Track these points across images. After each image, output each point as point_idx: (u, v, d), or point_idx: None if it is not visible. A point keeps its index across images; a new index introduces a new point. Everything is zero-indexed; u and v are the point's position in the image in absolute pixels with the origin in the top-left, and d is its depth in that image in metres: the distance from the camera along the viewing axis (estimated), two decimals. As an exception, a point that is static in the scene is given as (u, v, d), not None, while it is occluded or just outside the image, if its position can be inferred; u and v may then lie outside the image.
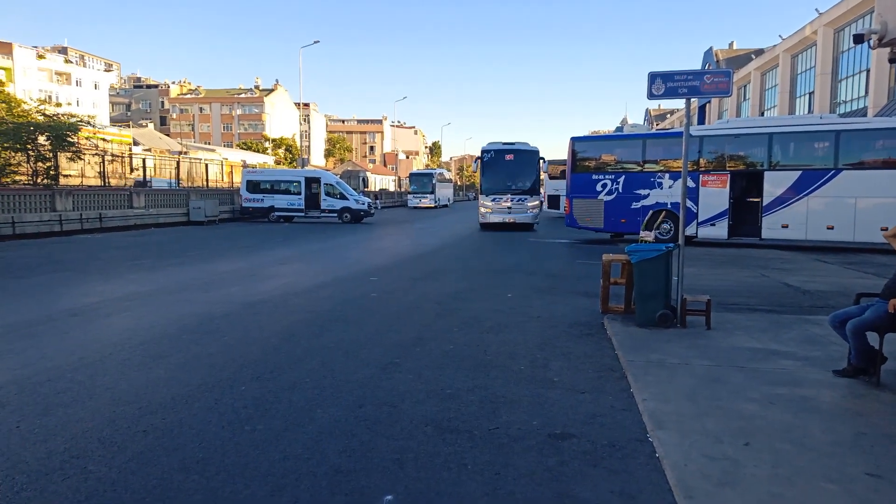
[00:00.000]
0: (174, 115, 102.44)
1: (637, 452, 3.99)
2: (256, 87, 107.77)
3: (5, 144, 24.83)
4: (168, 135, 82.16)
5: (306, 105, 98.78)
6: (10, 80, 61.81)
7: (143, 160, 36.24)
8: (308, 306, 9.05)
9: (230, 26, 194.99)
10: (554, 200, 37.92)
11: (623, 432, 4.32)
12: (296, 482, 3.58)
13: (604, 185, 20.20)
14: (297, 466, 3.77)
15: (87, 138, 30.59)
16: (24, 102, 34.88)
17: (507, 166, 26.46)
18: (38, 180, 25.48)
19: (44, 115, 28.80)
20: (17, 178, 25.26)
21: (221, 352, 6.51)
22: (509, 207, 26.28)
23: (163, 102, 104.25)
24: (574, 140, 21.08)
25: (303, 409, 4.76)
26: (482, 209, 26.88)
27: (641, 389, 5.15)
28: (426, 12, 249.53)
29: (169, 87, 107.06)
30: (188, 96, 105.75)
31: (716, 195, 18.64)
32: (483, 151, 26.76)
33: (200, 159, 42.34)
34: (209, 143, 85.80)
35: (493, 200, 26.50)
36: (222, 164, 44.09)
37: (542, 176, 30.69)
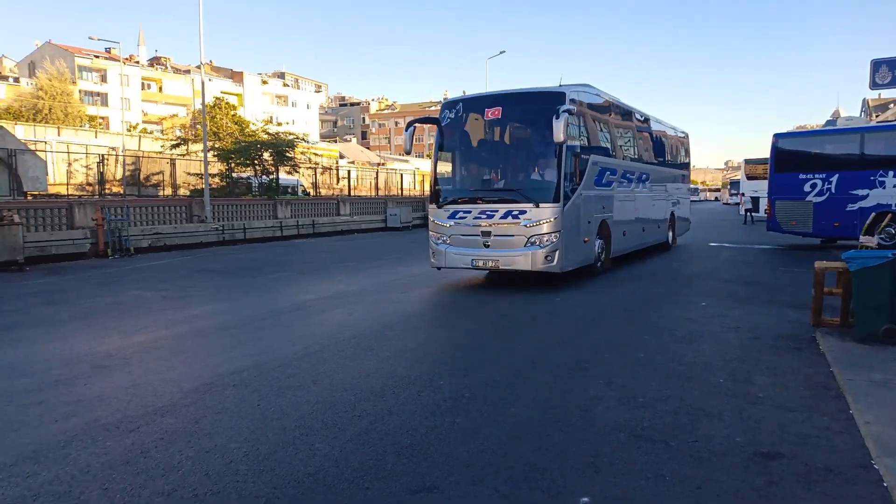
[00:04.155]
0: (373, 130, 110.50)
1: (859, 479, 3.65)
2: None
3: (238, 161, 28.75)
4: (368, 148, 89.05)
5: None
6: (241, 104, 71.00)
7: (349, 172, 39.74)
8: (498, 307, 9.37)
9: (421, 42, 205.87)
10: (754, 203, 34.57)
11: (841, 456, 3.97)
12: (494, 474, 3.79)
13: (813, 186, 18.09)
14: (495, 460, 3.98)
15: (301, 153, 34.29)
16: (252, 123, 39.98)
17: (492, 139, 12.04)
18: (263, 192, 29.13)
19: (267, 133, 32.76)
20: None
21: (419, 348, 7.01)
22: (486, 232, 11.01)
23: (364, 118, 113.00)
24: (777, 137, 19.21)
25: (496, 406, 4.99)
26: (432, 235, 11.77)
27: (863, 411, 4.66)
28: (603, 20, 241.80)
29: (369, 104, 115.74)
30: (385, 111, 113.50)
31: None
32: (445, 107, 12.06)
33: (396, 170, 45.45)
34: (402, 155, 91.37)
35: (454, 216, 11.36)
36: (414, 174, 46.90)
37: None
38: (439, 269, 11.85)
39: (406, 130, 12.44)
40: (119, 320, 9.05)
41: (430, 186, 12.18)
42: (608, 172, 12.97)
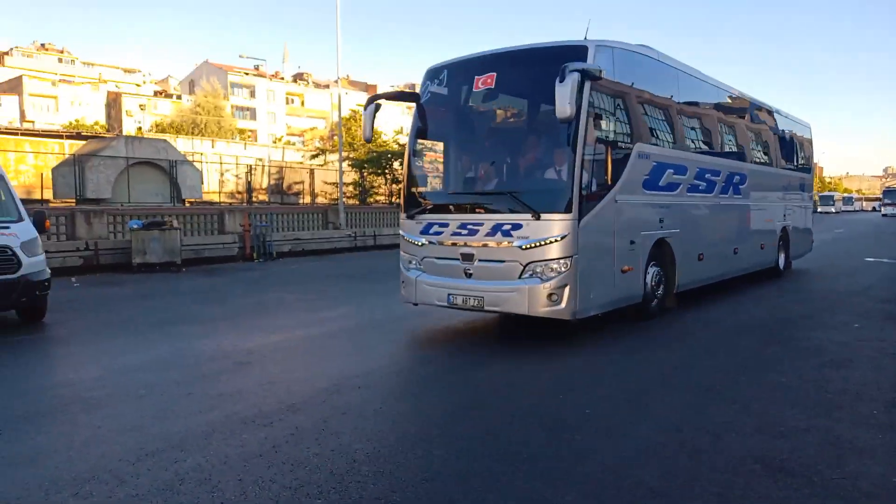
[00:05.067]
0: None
1: None
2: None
3: (370, 170, 30.11)
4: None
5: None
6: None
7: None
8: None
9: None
10: None
11: None
12: (614, 496, 3.66)
13: None
14: (615, 481, 3.84)
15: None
16: (384, 133, 41.65)
17: (484, 120, 8.75)
18: (392, 199, 30.25)
19: (398, 143, 33.96)
20: (378, 198, 30.38)
21: (540, 362, 6.93)
22: (468, 255, 7.58)
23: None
24: None
25: (619, 426, 4.82)
26: (403, 257, 8.46)
27: None
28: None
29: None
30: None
31: None
32: (428, 77, 8.62)
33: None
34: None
35: (427, 231, 8.05)
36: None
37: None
38: (415, 304, 8.34)
39: (365, 110, 8.79)
40: (261, 319, 9.74)
41: (403, 189, 8.89)
42: (670, 170, 9.07)
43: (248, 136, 64.56)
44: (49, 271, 9.41)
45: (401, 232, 8.51)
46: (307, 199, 35.00)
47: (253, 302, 11.68)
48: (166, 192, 27.53)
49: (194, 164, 31.21)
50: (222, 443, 4.51)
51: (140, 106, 72.17)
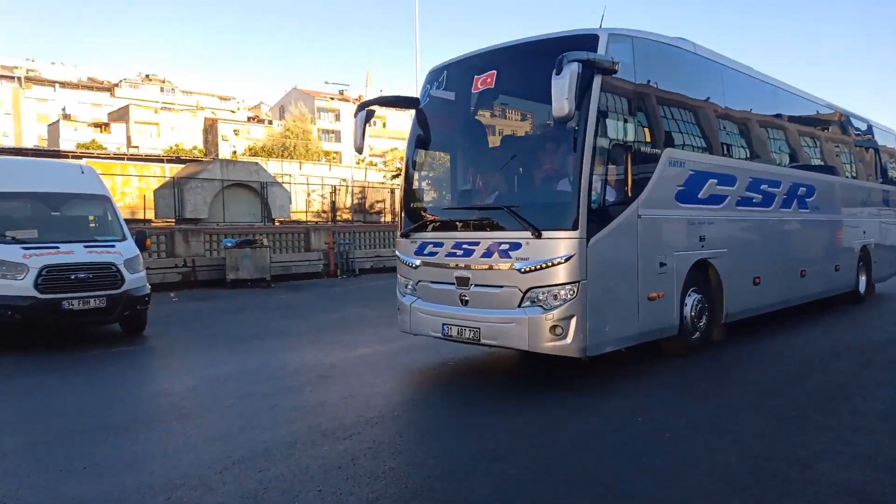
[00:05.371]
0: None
1: None
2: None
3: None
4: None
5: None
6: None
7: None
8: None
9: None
10: None
11: None
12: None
13: None
14: (696, 509, 3.70)
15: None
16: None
17: (483, 124, 7.57)
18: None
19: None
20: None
21: (607, 385, 6.77)
22: (463, 279, 6.59)
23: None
24: None
25: (698, 449, 4.64)
26: (399, 280, 7.49)
27: None
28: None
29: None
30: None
31: None
32: (429, 79, 7.65)
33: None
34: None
35: (422, 251, 7.10)
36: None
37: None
38: (415, 334, 7.37)
39: (356, 116, 7.76)
40: (343, 334, 10.02)
41: (400, 203, 8.08)
42: (713, 180, 7.89)
43: (333, 158, 66.85)
44: (149, 287, 10.09)
45: (396, 252, 7.70)
46: (388, 218, 35.82)
47: (336, 317, 12.03)
48: (257, 211, 28.92)
49: (283, 185, 32.67)
50: (304, 454, 4.67)
51: (234, 131, 76.27)
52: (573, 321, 5.89)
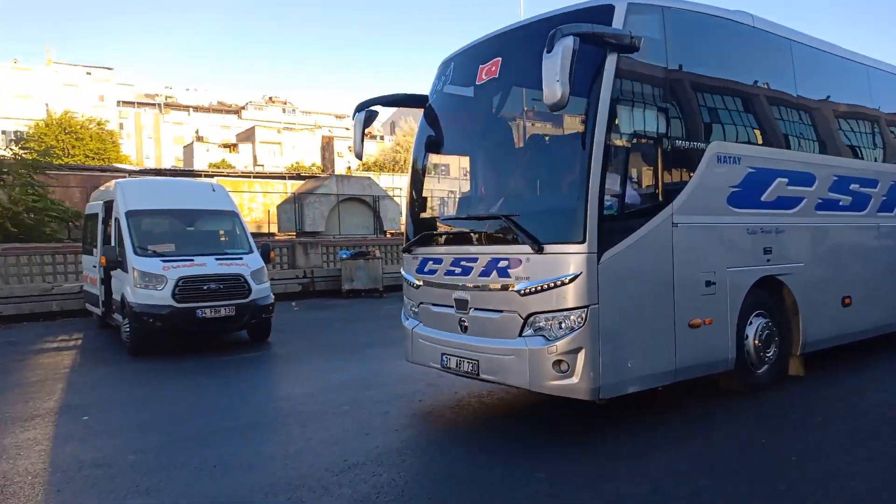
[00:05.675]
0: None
1: None
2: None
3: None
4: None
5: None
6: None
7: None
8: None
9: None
10: None
11: None
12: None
13: None
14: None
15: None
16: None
17: (490, 120, 6.38)
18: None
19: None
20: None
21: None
22: (462, 301, 5.66)
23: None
24: None
25: (763, 479, 4.28)
26: (405, 301, 6.89)
27: None
28: None
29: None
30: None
31: None
32: (440, 73, 6.68)
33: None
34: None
35: (422, 268, 6.30)
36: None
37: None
38: (416, 363, 6.62)
39: (353, 117, 6.81)
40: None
41: (406, 213, 7.14)
42: (782, 179, 6.45)
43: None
44: (273, 296, 10.73)
45: (401, 271, 6.93)
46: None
47: (445, 328, 12.18)
48: (370, 224, 29.97)
49: (394, 198, 33.60)
50: (415, 460, 4.78)
51: (349, 148, 79.40)
52: (581, 355, 4.81)
